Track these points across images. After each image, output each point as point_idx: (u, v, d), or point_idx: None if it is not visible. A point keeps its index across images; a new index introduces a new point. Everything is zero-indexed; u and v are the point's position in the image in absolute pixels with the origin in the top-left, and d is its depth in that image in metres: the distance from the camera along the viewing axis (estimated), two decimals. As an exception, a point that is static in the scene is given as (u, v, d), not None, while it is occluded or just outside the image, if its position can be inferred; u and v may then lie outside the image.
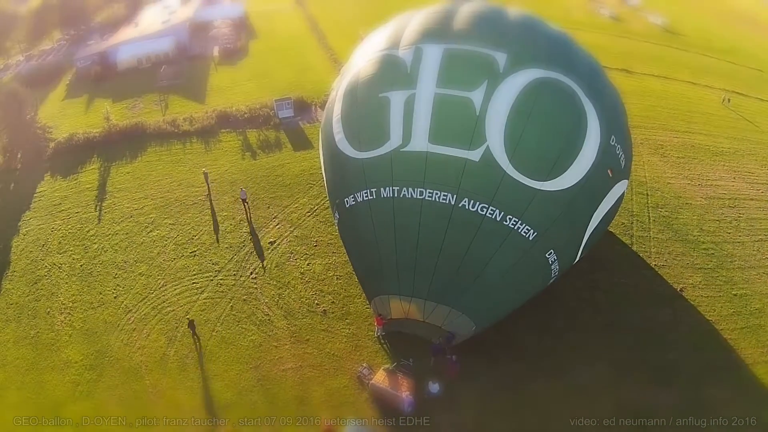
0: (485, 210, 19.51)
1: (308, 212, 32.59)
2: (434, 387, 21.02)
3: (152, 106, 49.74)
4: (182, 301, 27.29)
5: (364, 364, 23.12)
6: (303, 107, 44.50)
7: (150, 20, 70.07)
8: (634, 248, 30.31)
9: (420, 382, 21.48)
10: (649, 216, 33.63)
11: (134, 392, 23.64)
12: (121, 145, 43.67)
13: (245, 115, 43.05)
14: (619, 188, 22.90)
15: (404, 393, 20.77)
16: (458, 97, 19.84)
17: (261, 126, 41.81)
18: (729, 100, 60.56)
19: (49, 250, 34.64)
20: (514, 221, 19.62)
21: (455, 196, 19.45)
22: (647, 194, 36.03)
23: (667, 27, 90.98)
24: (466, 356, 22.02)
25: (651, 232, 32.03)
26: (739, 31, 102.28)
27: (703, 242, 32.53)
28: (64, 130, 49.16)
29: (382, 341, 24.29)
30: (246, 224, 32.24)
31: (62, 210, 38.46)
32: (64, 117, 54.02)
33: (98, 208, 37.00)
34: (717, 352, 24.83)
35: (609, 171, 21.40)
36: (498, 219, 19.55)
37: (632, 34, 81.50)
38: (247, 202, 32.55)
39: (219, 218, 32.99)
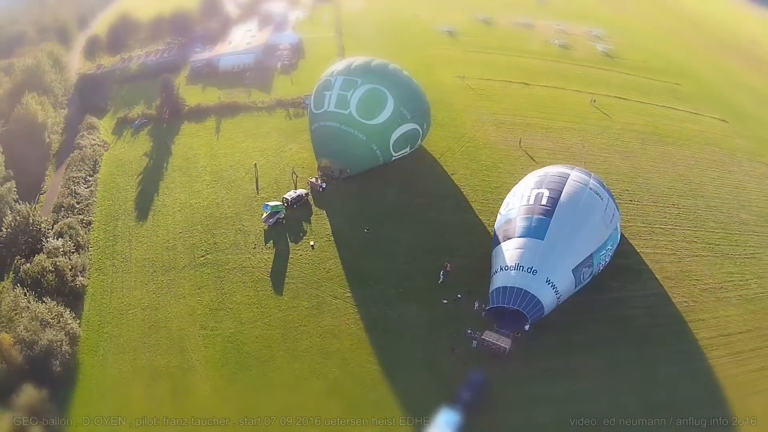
0: (351, 129, 73.27)
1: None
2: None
3: (241, 94, 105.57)
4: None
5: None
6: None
7: (238, 40, 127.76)
8: (440, 162, 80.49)
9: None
10: (460, 150, 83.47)
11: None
12: (226, 111, 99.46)
13: (290, 101, 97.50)
14: (409, 125, 75.17)
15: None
16: (343, 94, 74.22)
17: (298, 107, 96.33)
18: (595, 100, 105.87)
19: (198, 155, 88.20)
20: (358, 133, 73.03)
21: (340, 125, 73.49)
22: (468, 141, 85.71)
23: (609, 52, 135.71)
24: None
25: (455, 156, 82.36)
26: (708, 58, 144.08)
27: (486, 163, 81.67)
28: (191, 101, 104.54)
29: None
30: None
31: (199, 136, 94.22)
32: (189, 94, 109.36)
33: (219, 137, 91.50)
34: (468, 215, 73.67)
35: (399, 119, 73.03)
36: (354, 133, 73.18)
37: (568, 59, 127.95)
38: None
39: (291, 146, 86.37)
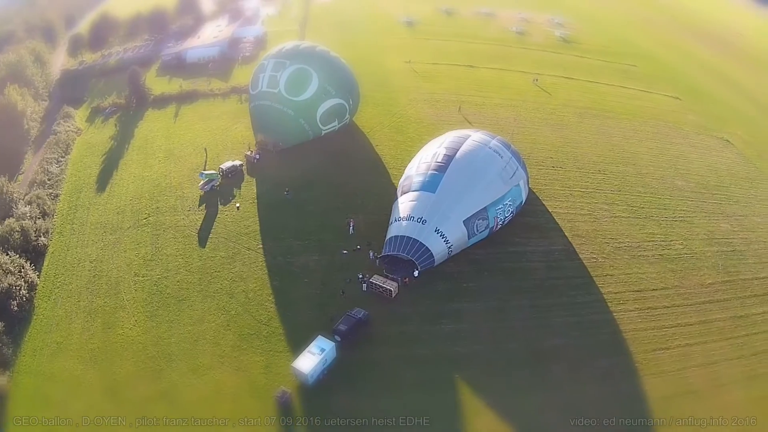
0: (281, 106, 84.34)
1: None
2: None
3: (203, 83, 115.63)
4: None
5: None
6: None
7: (207, 34, 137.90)
8: (368, 136, 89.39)
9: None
10: (389, 126, 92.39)
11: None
12: (186, 99, 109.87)
13: (243, 87, 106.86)
14: (334, 100, 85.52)
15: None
16: (274, 75, 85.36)
17: (246, 93, 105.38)
18: (537, 79, 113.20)
19: (156, 136, 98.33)
20: (287, 109, 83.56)
21: (272, 102, 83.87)
22: (399, 117, 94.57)
23: (567, 38, 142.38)
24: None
25: (383, 130, 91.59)
26: (676, 45, 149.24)
27: (411, 135, 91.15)
28: (157, 91, 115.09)
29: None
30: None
31: (159, 121, 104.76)
32: (156, 84, 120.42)
33: (177, 121, 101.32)
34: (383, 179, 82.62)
35: (324, 95, 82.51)
36: (283, 109, 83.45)
37: (522, 44, 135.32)
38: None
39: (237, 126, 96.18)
